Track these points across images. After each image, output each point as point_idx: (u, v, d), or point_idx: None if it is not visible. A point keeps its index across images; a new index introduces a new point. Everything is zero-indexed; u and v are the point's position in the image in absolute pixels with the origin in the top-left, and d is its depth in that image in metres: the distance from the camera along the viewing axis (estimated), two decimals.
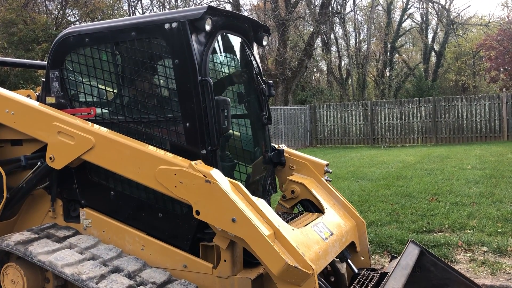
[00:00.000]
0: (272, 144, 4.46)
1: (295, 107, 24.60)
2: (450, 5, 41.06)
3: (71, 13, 32.49)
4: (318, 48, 37.57)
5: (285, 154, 4.47)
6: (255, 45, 4.26)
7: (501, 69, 35.11)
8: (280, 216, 3.89)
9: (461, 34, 38.59)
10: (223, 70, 4.06)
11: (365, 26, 42.29)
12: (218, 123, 3.45)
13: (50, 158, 3.72)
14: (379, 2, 41.00)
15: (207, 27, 3.46)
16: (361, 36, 42.14)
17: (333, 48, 40.46)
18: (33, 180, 3.92)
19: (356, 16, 40.93)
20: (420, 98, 22.49)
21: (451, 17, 37.55)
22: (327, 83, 40.46)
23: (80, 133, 3.59)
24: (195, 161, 3.25)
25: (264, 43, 4.24)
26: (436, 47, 41.71)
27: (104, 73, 3.80)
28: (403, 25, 42.31)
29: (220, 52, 3.95)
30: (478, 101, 20.59)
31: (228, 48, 4.01)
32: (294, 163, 4.48)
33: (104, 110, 3.85)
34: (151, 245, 3.62)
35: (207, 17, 3.43)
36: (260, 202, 3.23)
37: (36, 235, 3.65)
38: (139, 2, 37.89)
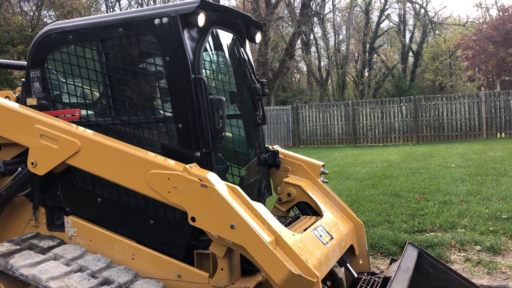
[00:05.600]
0: (266, 145, 4.28)
1: (277, 108, 24.49)
2: (427, 5, 41.52)
3: (47, 14, 31.85)
4: (298, 49, 37.60)
5: (280, 155, 4.30)
6: (247, 42, 4.09)
7: (477, 69, 35.70)
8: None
9: (438, 34, 39.09)
10: (215, 68, 3.86)
11: (344, 27, 42.55)
12: (213, 124, 3.26)
13: (32, 164, 3.47)
14: (357, 3, 41.29)
15: (200, 22, 3.27)
16: (340, 37, 42.40)
17: (313, 48, 40.57)
18: (13, 187, 3.66)
19: (335, 17, 41.15)
20: (401, 98, 22.61)
21: (429, 16, 37.96)
22: (307, 83, 40.51)
23: (64, 136, 3.35)
24: (190, 165, 3.05)
25: (257, 40, 4.07)
26: (414, 47, 42.20)
27: (89, 72, 3.57)
28: (381, 25, 42.79)
29: (213, 49, 3.75)
30: (457, 100, 20.78)
31: (221, 45, 3.82)
32: (289, 165, 4.31)
33: (89, 112, 3.62)
34: (142, 254, 3.41)
35: (200, 11, 3.24)
36: (259, 207, 3.05)
37: (18, 247, 3.40)
38: (117, 3, 37.35)
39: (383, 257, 5.77)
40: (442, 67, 39.34)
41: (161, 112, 3.35)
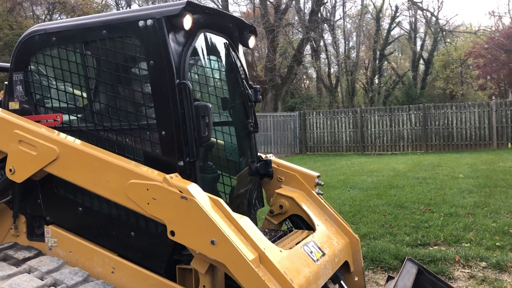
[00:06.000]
0: (259, 154, 4.10)
1: (284, 114, 24.30)
2: (438, 13, 41.18)
3: (59, 18, 32.04)
4: (308, 55, 37.45)
5: (273, 165, 4.11)
6: (240, 47, 3.92)
7: (489, 77, 35.26)
8: (267, 234, 3.55)
9: (450, 42, 38.70)
10: (205, 74, 3.69)
11: (354, 33, 42.31)
12: (198, 132, 3.09)
13: (10, 170, 3.33)
14: (368, 10, 41.07)
15: (187, 25, 3.10)
16: (351, 43, 42.15)
17: (323, 55, 40.38)
18: None
19: (345, 24, 40.95)
20: (410, 106, 22.31)
21: (440, 24, 37.61)
22: (316, 90, 40.29)
23: (43, 142, 3.20)
24: (171, 175, 2.88)
25: (251, 44, 3.90)
26: (425, 55, 41.83)
27: (72, 76, 3.42)
28: (392, 33, 42.43)
29: (202, 54, 3.59)
30: (468, 109, 20.44)
31: (210, 49, 3.65)
32: (283, 175, 4.12)
33: (72, 117, 3.47)
34: (123, 268, 3.23)
35: (186, 13, 3.08)
36: (244, 221, 2.87)
37: None
38: (128, 7, 37.51)
39: (383, 272, 5.54)
40: (453, 76, 38.90)
41: (145, 118, 3.19)
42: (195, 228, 2.72)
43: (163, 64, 3.05)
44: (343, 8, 39.13)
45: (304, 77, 42.37)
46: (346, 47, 40.51)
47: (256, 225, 3.99)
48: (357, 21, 40.86)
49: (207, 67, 3.70)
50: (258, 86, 3.98)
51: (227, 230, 2.69)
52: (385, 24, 42.66)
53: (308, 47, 35.76)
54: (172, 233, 2.80)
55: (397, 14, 41.63)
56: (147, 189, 2.85)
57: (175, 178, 2.86)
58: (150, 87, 3.14)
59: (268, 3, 27.32)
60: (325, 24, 35.04)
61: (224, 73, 3.89)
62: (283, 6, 27.42)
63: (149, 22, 3.08)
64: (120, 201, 2.98)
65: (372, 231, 6.94)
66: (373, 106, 30.24)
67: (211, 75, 3.76)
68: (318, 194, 4.06)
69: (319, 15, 28.59)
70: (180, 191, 2.77)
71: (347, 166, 15.68)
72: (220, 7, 26.43)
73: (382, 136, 21.82)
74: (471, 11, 56.97)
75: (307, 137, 23.21)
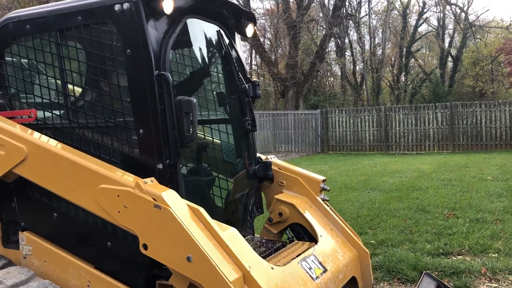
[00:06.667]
0: (258, 155, 3.70)
1: (306, 112, 23.80)
2: (468, 8, 39.94)
3: None
4: (332, 52, 36.80)
5: (273, 167, 3.71)
6: (237, 36, 3.53)
7: None
8: (262, 245, 3.16)
9: (479, 38, 37.44)
10: (192, 65, 3.32)
11: (380, 30, 41.41)
12: (180, 130, 2.72)
13: None
14: (394, 6, 40.10)
15: (167, 9, 2.73)
16: (376, 40, 41.25)
17: (348, 52, 39.63)
18: None
19: (371, 21, 40.06)
20: (437, 104, 21.50)
21: (470, 20, 36.41)
22: (341, 88, 39.57)
23: (11, 141, 2.89)
24: (146, 179, 2.52)
25: (249, 33, 3.51)
26: (453, 52, 40.64)
27: (47, 68, 3.10)
28: (419, 29, 41.36)
29: (188, 43, 3.21)
30: (498, 107, 19.56)
31: (199, 38, 3.28)
32: (284, 178, 3.72)
33: (47, 113, 3.14)
34: (99, 281, 2.89)
35: None
36: (229, 234, 2.49)
37: None
38: None
39: (400, 284, 5.07)
40: (483, 73, 37.62)
41: (122, 115, 2.83)
42: (169, 241, 2.36)
43: (140, 53, 2.69)
44: (368, 5, 38.31)
45: (328, 74, 41.67)
46: (372, 44, 39.64)
47: (253, 234, 3.60)
48: (383, 17, 39.95)
49: (195, 58, 3.32)
50: (257, 80, 3.58)
51: (206, 245, 2.31)
52: (412, 20, 41.64)
53: (332, 44, 35.12)
54: (145, 247, 2.44)
55: (425, 10, 40.60)
56: (118, 196, 2.50)
57: (149, 184, 2.49)
58: (126, 80, 2.78)
59: None
60: (350, 21, 34.33)
61: (216, 65, 3.51)
62: (306, 2, 26.86)
63: (126, 6, 2.72)
64: (89, 208, 2.64)
65: (390, 237, 6.47)
66: (399, 104, 29.41)
67: (200, 67, 3.38)
68: (323, 200, 3.64)
69: (343, 11, 27.92)
70: (153, 199, 2.41)
71: (369, 166, 15.13)
72: (241, 3, 26.06)
73: (407, 135, 21.12)
74: (503, 6, 55.03)
75: (329, 136, 22.66)
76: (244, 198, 3.50)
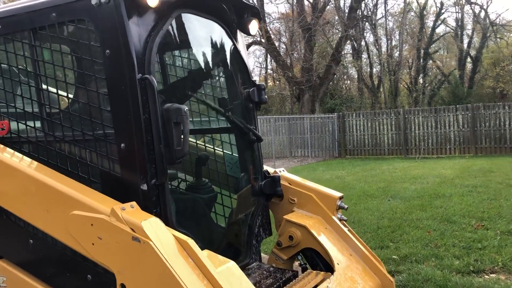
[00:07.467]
0: (265, 168, 3.26)
1: (322, 116, 23.29)
2: (487, 7, 39.01)
3: None
4: (349, 55, 36.22)
5: (283, 182, 3.26)
6: (239, 34, 3.10)
7: None
8: (270, 276, 2.71)
9: (500, 37, 36.47)
10: (183, 67, 2.90)
11: (397, 32, 40.70)
12: (169, 144, 2.29)
13: None
14: (411, 7, 39.38)
15: (152, 2, 2.32)
16: (393, 42, 40.54)
17: (364, 55, 39.01)
18: None
19: (387, 22, 39.38)
20: (457, 106, 20.80)
21: (490, 19, 35.49)
22: (357, 91, 38.92)
23: None
24: (125, 205, 2.10)
25: (252, 30, 3.07)
26: (472, 53, 39.71)
27: (21, 73, 2.71)
28: (437, 30, 40.56)
29: (180, 41, 2.79)
30: None
31: (192, 36, 2.85)
32: (296, 195, 3.26)
33: (22, 125, 2.75)
34: None
35: None
36: (225, 271, 2.05)
37: None
38: None
39: None
40: (504, 73, 36.60)
41: (102, 126, 2.42)
42: (150, 283, 1.92)
43: (121, 54, 2.28)
44: (385, 6, 37.69)
45: (345, 77, 41.05)
46: (389, 46, 38.95)
47: (260, 260, 3.15)
48: (399, 19, 39.24)
49: (190, 59, 2.90)
50: (263, 84, 3.14)
51: (194, 286, 1.87)
52: (429, 22, 40.85)
53: (348, 46, 34.55)
54: (123, 287, 2.01)
55: (442, 11, 39.78)
56: (92, 225, 2.08)
57: (129, 210, 2.07)
58: (106, 85, 2.37)
59: (306, 1, 26.40)
60: (366, 23, 33.73)
61: (214, 67, 3.08)
62: (321, 4, 26.37)
63: None
64: (61, 238, 2.24)
65: (414, 251, 5.95)
66: (417, 107, 28.67)
67: (196, 70, 2.95)
68: (340, 220, 3.17)
69: (359, 13, 27.35)
70: (132, 229, 1.98)
71: (388, 172, 14.56)
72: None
73: (427, 138, 20.45)
74: None
75: (346, 140, 22.11)
76: (249, 219, 3.06)
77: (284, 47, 33.55)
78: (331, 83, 30.72)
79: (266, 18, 27.34)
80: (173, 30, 2.58)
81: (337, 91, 36.31)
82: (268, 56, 34.16)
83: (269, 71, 39.83)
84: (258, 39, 25.81)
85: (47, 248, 2.63)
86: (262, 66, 41.38)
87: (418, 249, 6.05)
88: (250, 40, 25.39)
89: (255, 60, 39.97)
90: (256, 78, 40.69)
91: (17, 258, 2.76)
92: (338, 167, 17.19)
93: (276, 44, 31.11)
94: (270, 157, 21.16)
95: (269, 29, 27.40)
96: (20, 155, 2.54)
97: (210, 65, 3.06)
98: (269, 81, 40.85)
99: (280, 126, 22.82)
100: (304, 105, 25.77)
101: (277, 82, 37.09)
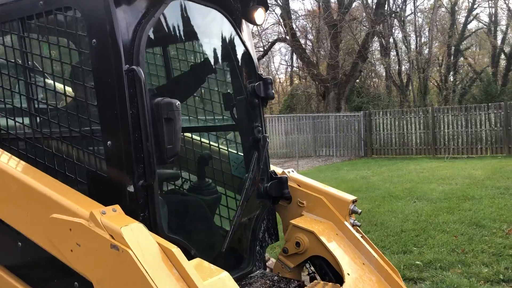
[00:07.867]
0: (272, 168, 3.03)
1: (348, 114, 22.85)
2: None
3: None
4: (376, 52, 35.57)
5: (291, 184, 3.03)
6: (244, 23, 2.88)
7: None
8: (274, 286, 2.49)
9: None
10: (178, 58, 2.70)
11: (426, 28, 39.75)
12: (159, 142, 2.10)
13: None
14: (442, 3, 38.37)
15: None
16: (423, 39, 39.62)
17: (393, 52, 38.24)
18: None
19: (416, 19, 38.50)
20: (490, 104, 20.05)
21: None
22: (385, 88, 38.19)
23: None
24: (106, 208, 1.91)
25: (258, 20, 2.85)
26: (506, 49, 38.45)
27: (9, 66, 2.57)
28: (469, 26, 39.44)
29: (175, 30, 2.59)
30: None
31: (192, 25, 2.64)
32: (305, 198, 3.02)
33: (10, 121, 2.61)
34: None
35: None
36: (214, 283, 1.84)
37: None
38: None
39: None
40: None
41: (88, 122, 2.25)
42: None
43: (107, 43, 2.10)
44: (414, 2, 36.84)
45: (372, 75, 40.34)
46: (418, 43, 38.08)
47: (265, 267, 2.93)
48: (429, 15, 38.29)
49: (187, 51, 2.69)
50: (270, 77, 2.91)
51: None
52: (461, 17, 39.75)
53: (376, 44, 33.92)
54: None
55: (475, 6, 38.65)
56: (70, 229, 1.90)
57: (109, 215, 1.88)
58: (92, 77, 2.19)
59: None
60: (395, 19, 33.02)
61: (214, 59, 2.86)
62: (347, 0, 25.91)
63: None
64: (40, 243, 2.07)
65: (439, 257, 5.65)
66: (447, 105, 27.88)
67: (195, 62, 2.75)
68: (353, 225, 2.92)
69: (387, 9, 26.76)
70: (111, 236, 1.79)
71: (415, 172, 14.10)
72: (281, 4, 25.42)
73: (457, 137, 19.79)
74: None
75: (372, 139, 21.62)
76: (253, 223, 2.84)
77: (311, 44, 33.16)
78: (357, 80, 30.19)
79: (292, 15, 27.03)
80: (166, 18, 2.38)
81: (364, 89, 35.71)
82: (294, 53, 33.83)
83: (294, 68, 39.50)
84: (283, 36, 25.55)
85: (35, 252, 2.48)
86: (288, 64, 41.13)
87: (444, 255, 5.75)
88: (275, 37, 25.16)
89: (281, 57, 39.74)
90: (282, 76, 40.39)
91: (5, 261, 2.62)
92: (364, 167, 16.78)
93: (302, 41, 30.77)
94: (293, 156, 20.88)
95: (294, 26, 27.08)
96: (3, 152, 2.40)
97: (210, 57, 2.85)
98: (294, 79, 40.54)
99: (304, 124, 22.51)
100: (330, 103, 25.37)
101: (303, 80, 36.72)
